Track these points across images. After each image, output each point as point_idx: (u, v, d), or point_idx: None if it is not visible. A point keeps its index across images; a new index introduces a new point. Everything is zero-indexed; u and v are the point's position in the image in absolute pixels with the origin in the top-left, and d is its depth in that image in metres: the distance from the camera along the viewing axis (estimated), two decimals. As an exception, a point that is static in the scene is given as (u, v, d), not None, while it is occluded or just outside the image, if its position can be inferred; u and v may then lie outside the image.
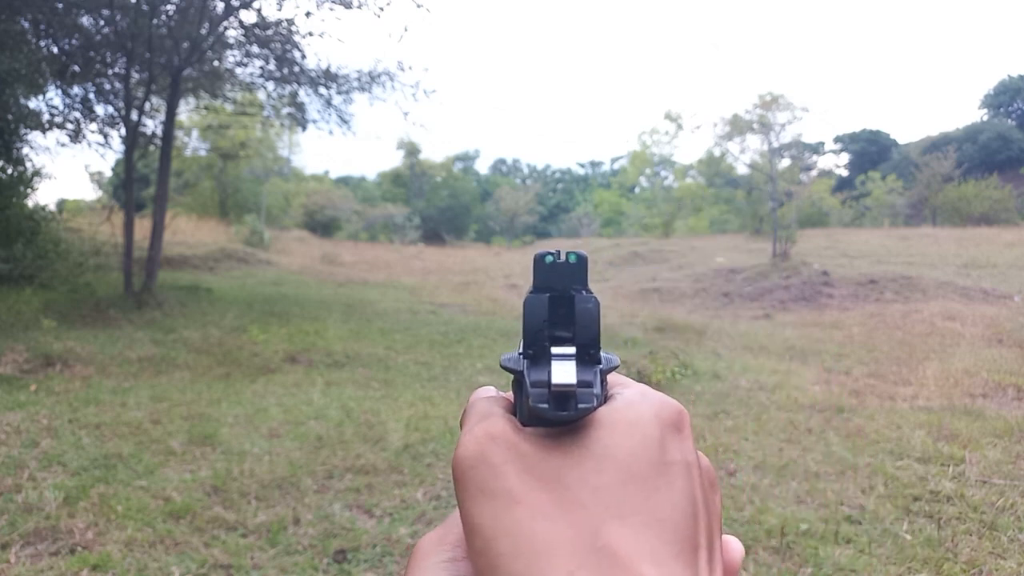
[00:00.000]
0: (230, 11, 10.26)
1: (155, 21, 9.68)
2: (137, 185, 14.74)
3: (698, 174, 39.31)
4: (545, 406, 0.27)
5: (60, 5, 9.55)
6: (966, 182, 31.18)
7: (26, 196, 9.25)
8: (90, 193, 39.58)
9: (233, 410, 4.73)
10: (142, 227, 11.26)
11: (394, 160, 59.83)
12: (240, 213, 28.54)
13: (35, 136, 11.19)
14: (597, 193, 58.56)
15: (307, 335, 8.09)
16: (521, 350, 0.30)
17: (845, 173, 50.63)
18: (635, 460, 0.27)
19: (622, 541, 0.25)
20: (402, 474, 3.61)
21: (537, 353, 0.29)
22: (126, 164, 10.69)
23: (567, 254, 0.30)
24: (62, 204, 19.80)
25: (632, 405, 0.29)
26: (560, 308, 0.29)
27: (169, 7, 10.03)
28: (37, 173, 9.21)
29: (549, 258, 0.30)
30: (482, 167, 70.65)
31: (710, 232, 35.63)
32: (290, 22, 10.53)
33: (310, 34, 10.69)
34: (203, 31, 10.10)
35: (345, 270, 19.29)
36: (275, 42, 10.95)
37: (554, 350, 0.29)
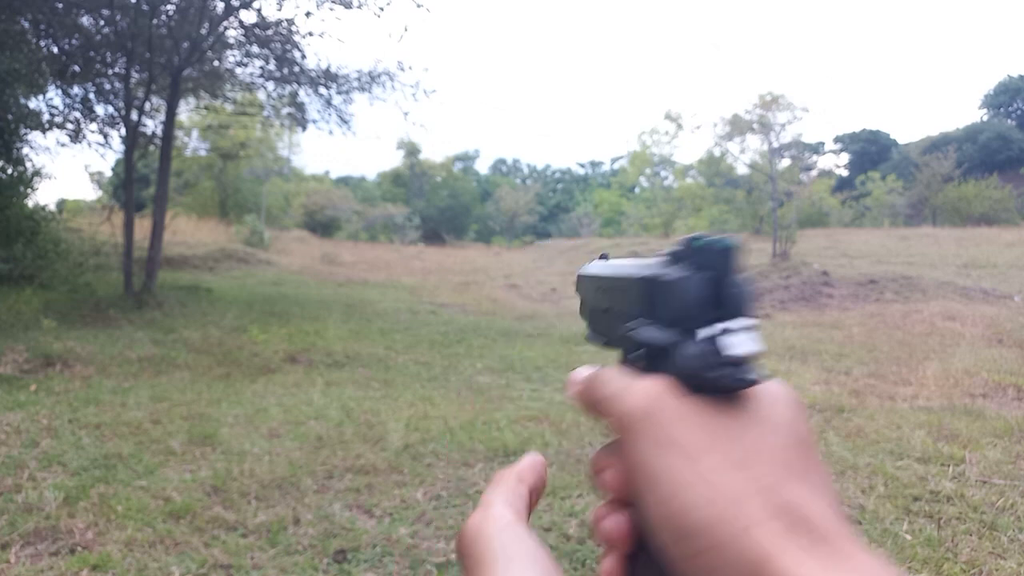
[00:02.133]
0: (230, 11, 10.25)
1: (155, 21, 9.68)
2: (137, 185, 14.74)
3: (698, 174, 39.28)
4: (725, 373, 0.29)
5: (60, 5, 9.55)
6: (966, 182, 31.19)
7: (26, 196, 9.25)
8: (90, 193, 39.61)
9: (233, 410, 4.73)
10: (142, 227, 11.25)
11: (394, 160, 59.83)
12: (240, 213, 28.54)
13: (35, 136, 11.19)
14: (597, 193, 58.57)
15: (307, 335, 8.09)
16: (659, 325, 0.31)
17: (845, 173, 50.64)
18: (796, 430, 0.29)
19: (802, 500, 0.26)
20: (402, 474, 3.61)
21: (694, 326, 0.30)
22: (126, 164, 10.69)
23: (719, 241, 0.32)
24: (62, 204, 19.80)
25: (779, 384, 0.31)
26: (715, 288, 0.31)
27: (169, 7, 10.03)
28: (37, 173, 9.20)
29: (701, 241, 0.31)
30: (482, 167, 70.71)
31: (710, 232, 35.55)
32: (290, 22, 10.53)
33: (310, 34, 10.69)
34: (203, 31, 10.10)
35: (345, 270, 19.29)
36: (275, 42, 10.95)
37: (735, 322, 0.30)
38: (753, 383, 0.29)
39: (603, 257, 0.43)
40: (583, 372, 0.35)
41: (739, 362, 0.29)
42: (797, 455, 0.28)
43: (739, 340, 0.29)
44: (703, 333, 0.30)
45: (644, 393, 0.29)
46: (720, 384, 0.29)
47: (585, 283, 0.44)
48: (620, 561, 0.32)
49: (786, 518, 0.25)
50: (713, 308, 0.30)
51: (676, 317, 0.31)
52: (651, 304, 0.32)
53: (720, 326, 0.30)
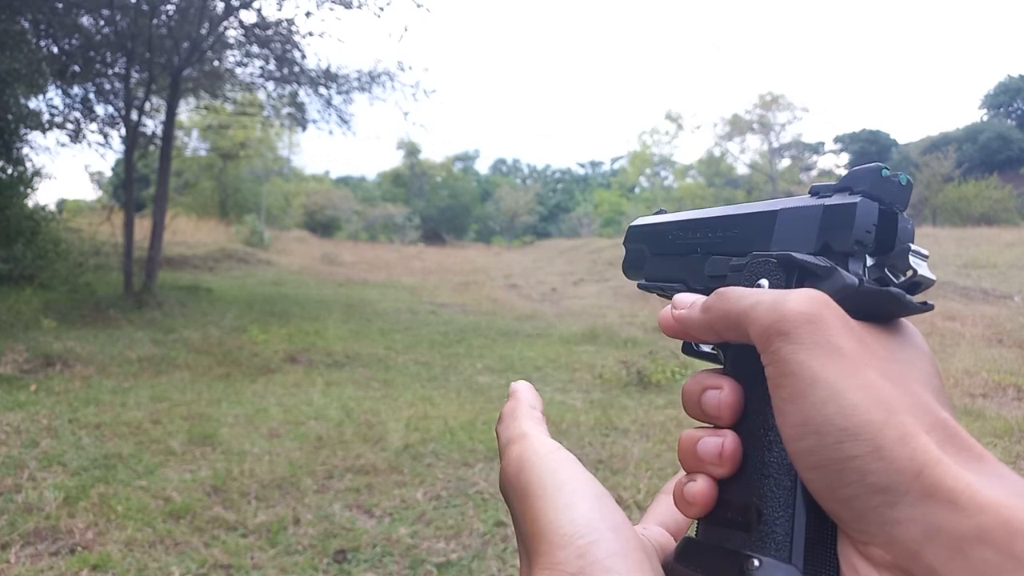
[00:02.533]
0: (230, 11, 10.26)
1: (155, 21, 9.68)
2: (137, 185, 14.75)
3: (698, 174, 39.32)
4: (904, 297, 0.29)
5: (60, 5, 9.55)
6: (966, 182, 31.16)
7: (26, 196, 9.25)
8: (90, 193, 39.67)
9: (233, 410, 4.73)
10: (142, 227, 11.26)
11: (394, 160, 59.95)
12: (240, 213, 28.54)
13: (35, 136, 11.21)
14: (597, 193, 58.53)
15: (307, 335, 8.09)
16: (812, 250, 0.31)
17: (845, 173, 50.60)
18: (934, 363, 0.31)
19: (951, 421, 0.27)
20: (402, 474, 3.61)
21: (868, 252, 0.31)
22: (126, 164, 10.69)
23: (899, 175, 0.32)
24: (62, 204, 19.80)
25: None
26: (883, 220, 0.31)
27: (169, 7, 10.03)
28: (37, 173, 9.21)
29: (886, 172, 0.32)
30: (482, 167, 70.67)
31: (710, 232, 35.52)
32: (290, 22, 10.53)
33: (310, 34, 10.71)
34: (203, 31, 10.10)
35: (345, 270, 19.29)
36: (275, 42, 10.95)
37: (916, 248, 0.31)
38: (929, 308, 0.30)
39: (660, 212, 0.44)
40: (690, 296, 0.34)
41: (922, 284, 0.30)
42: (940, 385, 0.29)
43: (925, 266, 0.30)
44: (872, 261, 0.30)
45: (808, 299, 0.28)
46: (902, 306, 0.29)
47: (652, 231, 0.43)
48: (713, 482, 0.32)
49: (942, 432, 0.26)
50: (889, 236, 0.30)
51: (851, 240, 0.30)
52: (811, 232, 0.32)
53: (915, 247, 0.30)
